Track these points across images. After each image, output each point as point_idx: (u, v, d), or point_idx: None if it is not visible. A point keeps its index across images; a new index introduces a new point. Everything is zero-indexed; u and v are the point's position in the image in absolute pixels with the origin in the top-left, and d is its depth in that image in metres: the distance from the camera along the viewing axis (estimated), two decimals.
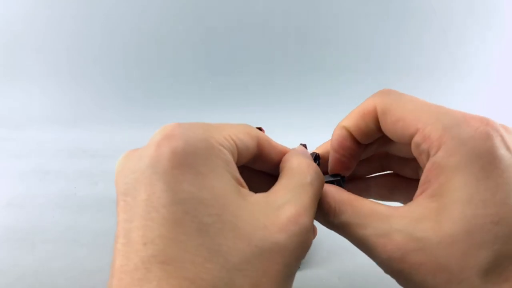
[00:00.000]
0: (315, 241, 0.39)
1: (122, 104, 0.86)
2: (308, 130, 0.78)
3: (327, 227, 0.22)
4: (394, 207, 0.19)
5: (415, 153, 0.20)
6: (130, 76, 0.89)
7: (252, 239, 0.16)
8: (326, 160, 0.25)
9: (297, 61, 0.89)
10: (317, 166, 0.21)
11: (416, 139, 0.19)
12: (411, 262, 0.17)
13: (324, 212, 0.21)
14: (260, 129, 0.41)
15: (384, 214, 0.19)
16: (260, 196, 0.18)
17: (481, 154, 0.17)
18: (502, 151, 0.17)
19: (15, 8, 0.86)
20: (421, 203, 0.18)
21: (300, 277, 0.34)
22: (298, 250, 0.17)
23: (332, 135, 0.24)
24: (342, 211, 0.20)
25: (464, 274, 0.16)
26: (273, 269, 0.16)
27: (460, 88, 0.88)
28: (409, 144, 0.20)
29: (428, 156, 0.19)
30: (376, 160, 0.27)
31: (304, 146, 0.26)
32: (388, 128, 0.21)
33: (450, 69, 0.90)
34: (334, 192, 0.21)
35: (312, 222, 0.19)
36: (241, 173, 0.19)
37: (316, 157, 0.26)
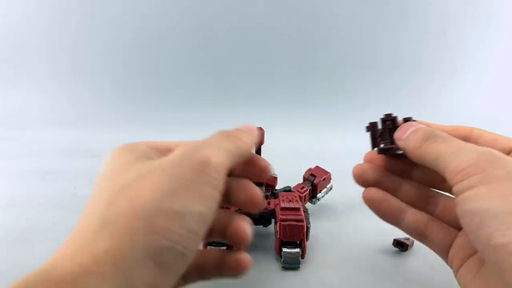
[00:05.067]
0: (316, 242, 0.39)
1: (122, 104, 0.86)
2: (308, 130, 0.78)
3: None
4: None
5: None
6: (131, 76, 0.89)
7: None
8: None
9: (297, 61, 0.89)
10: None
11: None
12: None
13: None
14: (260, 129, 0.41)
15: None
16: None
17: None
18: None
19: (16, 9, 0.86)
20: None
21: (301, 277, 0.34)
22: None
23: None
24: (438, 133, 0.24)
25: None
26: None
27: (460, 88, 0.88)
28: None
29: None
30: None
31: (387, 115, 0.27)
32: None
33: (450, 69, 0.89)
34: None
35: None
36: None
37: (387, 118, 0.26)
